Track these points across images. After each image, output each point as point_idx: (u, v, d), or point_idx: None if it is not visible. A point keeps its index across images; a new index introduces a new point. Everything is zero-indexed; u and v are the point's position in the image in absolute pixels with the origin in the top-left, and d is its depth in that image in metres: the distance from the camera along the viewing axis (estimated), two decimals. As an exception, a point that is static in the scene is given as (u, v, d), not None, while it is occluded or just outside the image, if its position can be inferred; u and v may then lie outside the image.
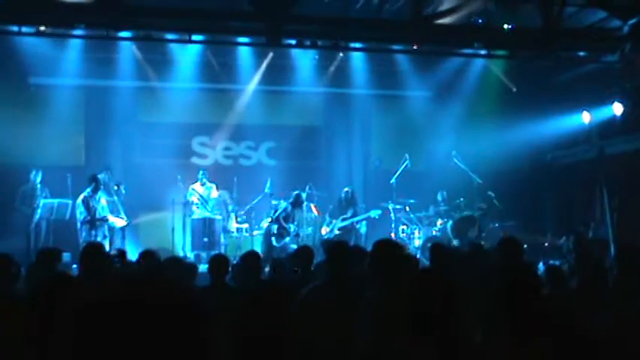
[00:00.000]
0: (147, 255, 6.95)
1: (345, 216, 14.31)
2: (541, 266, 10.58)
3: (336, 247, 5.77)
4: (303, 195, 14.16)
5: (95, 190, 13.03)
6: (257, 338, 2.79)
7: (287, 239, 13.73)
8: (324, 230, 14.40)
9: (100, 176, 13.30)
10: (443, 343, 2.89)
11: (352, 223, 14.29)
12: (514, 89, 16.58)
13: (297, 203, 13.96)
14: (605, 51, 14.20)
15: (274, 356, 2.75)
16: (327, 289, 5.25)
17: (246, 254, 7.25)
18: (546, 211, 16.99)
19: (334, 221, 14.28)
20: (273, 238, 13.79)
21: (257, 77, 15.86)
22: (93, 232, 12.87)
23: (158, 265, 6.60)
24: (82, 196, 13.01)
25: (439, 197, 15.16)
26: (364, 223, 14.83)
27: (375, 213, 14.51)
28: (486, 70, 16.19)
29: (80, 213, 12.98)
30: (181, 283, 1.52)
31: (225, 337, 2.83)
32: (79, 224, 13.03)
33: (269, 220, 14.17)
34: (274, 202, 14.22)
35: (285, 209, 13.87)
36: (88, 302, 1.39)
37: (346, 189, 14.66)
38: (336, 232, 14.15)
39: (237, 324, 2.87)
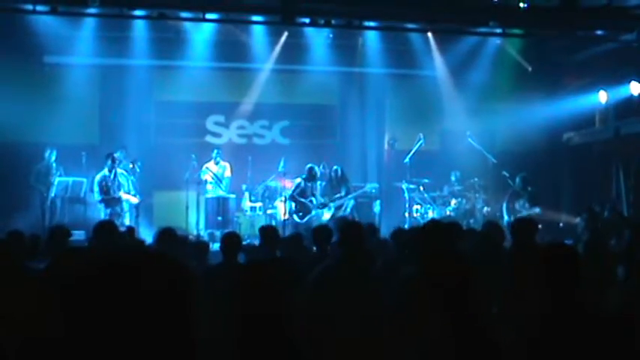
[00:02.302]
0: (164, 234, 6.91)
1: (339, 194, 14.28)
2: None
3: (350, 226, 5.77)
4: (316, 168, 14.15)
5: (112, 169, 13.18)
6: (254, 315, 2.79)
7: (313, 213, 13.83)
8: (326, 215, 14.25)
9: (117, 155, 13.41)
10: (458, 320, 2.89)
11: (353, 201, 14.32)
12: (529, 69, 16.45)
13: (310, 177, 13.98)
14: (623, 30, 14.05)
15: (273, 334, 2.75)
16: (341, 267, 5.26)
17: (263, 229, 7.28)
18: (561, 191, 16.91)
19: (330, 203, 14.24)
20: (294, 216, 13.91)
21: (273, 57, 15.79)
22: (109, 210, 13.07)
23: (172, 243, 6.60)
24: (99, 176, 13.19)
25: (453, 177, 15.09)
26: (378, 202, 14.85)
27: (370, 187, 14.57)
28: (501, 49, 16.07)
29: (97, 192, 13.18)
30: (172, 255, 1.55)
31: (227, 313, 2.84)
32: (97, 203, 13.22)
33: (282, 199, 14.24)
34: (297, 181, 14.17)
35: (298, 185, 13.94)
36: (82, 268, 1.41)
37: (335, 167, 14.57)
38: (347, 211, 14.15)
39: (236, 300, 2.88)
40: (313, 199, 13.94)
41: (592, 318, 2.99)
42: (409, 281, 4.00)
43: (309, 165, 14.18)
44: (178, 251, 6.30)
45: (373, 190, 14.75)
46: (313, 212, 13.90)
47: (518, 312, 3.36)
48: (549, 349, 2.87)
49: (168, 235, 6.61)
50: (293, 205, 14.00)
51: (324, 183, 14.53)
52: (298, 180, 14.05)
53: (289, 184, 14.45)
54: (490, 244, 6.53)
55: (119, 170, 13.41)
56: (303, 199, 13.88)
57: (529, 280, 3.27)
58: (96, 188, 13.19)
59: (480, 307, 3.14)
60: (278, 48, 15.68)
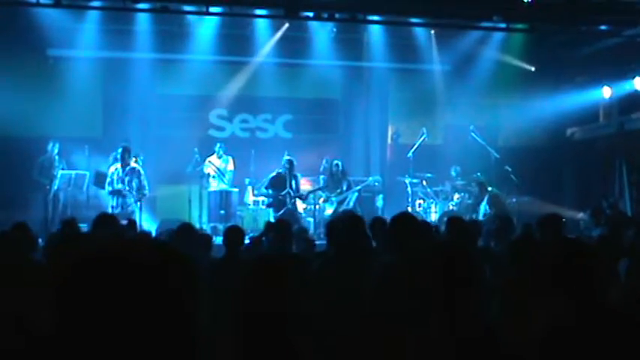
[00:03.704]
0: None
1: (341, 189, 14.25)
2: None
3: (350, 220, 5.77)
4: (294, 161, 13.96)
5: (124, 163, 13.14)
6: (257, 311, 2.79)
7: (290, 205, 13.74)
8: (328, 209, 14.23)
9: (126, 148, 13.37)
10: (459, 319, 2.86)
11: (357, 194, 14.31)
12: (532, 69, 16.42)
13: (289, 169, 13.84)
14: (627, 25, 14.00)
15: (276, 329, 2.75)
16: (340, 260, 5.26)
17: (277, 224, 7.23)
18: (565, 187, 16.89)
19: (332, 197, 14.22)
20: (270, 210, 13.79)
21: (272, 50, 15.73)
22: (116, 202, 13.02)
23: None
24: (112, 168, 13.09)
25: (453, 172, 15.06)
26: (381, 196, 14.84)
27: (374, 179, 14.58)
28: (505, 45, 16.00)
29: (108, 184, 13.13)
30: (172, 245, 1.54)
31: (229, 308, 2.83)
32: (107, 195, 13.21)
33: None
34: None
35: (270, 179, 13.81)
36: (78, 258, 1.41)
37: (336, 162, 14.53)
38: (351, 205, 14.13)
39: (239, 296, 2.87)
40: (290, 191, 13.81)
41: (612, 314, 2.95)
42: (386, 270, 4.00)
43: (287, 157, 13.97)
44: (197, 247, 6.29)
45: (376, 183, 14.75)
46: (290, 204, 13.81)
47: (528, 313, 3.30)
48: (570, 351, 2.84)
49: (188, 231, 6.60)
50: (266, 200, 13.93)
51: (325, 177, 14.52)
52: (273, 174, 13.94)
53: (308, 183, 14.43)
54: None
55: (132, 165, 13.30)
56: (275, 192, 13.72)
57: (542, 279, 3.21)
58: (107, 179, 13.15)
59: (475, 301, 3.10)
60: (275, 41, 15.59)
